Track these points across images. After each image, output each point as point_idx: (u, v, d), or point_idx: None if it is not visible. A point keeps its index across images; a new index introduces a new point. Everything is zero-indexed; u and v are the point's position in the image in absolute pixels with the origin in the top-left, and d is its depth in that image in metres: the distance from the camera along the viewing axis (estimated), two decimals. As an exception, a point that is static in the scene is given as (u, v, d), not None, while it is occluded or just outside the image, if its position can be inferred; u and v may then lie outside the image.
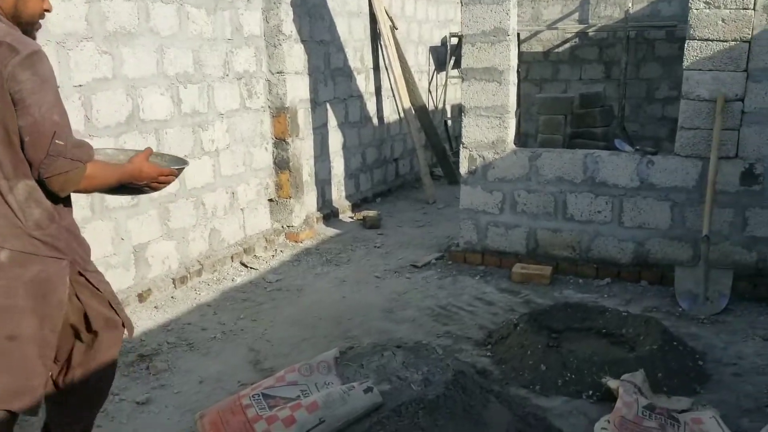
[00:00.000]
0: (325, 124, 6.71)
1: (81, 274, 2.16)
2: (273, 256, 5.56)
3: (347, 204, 7.07)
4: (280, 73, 5.67)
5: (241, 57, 5.38)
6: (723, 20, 4.31)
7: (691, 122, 4.53)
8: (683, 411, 3.02)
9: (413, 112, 7.71)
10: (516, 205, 5.11)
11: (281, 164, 5.87)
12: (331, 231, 6.32)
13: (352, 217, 6.85)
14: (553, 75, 10.06)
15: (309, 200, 6.41)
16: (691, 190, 4.59)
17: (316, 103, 6.50)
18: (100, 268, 2.44)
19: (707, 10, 4.34)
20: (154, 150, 2.57)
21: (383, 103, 7.89)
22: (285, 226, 5.93)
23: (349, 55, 7.07)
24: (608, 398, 3.14)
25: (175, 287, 4.68)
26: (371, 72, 7.60)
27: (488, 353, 3.75)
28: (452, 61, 9.08)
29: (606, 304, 4.37)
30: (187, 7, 4.77)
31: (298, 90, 5.95)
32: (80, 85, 3.95)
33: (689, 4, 4.40)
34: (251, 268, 5.23)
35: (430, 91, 9.20)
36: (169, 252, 4.74)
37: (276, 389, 2.78)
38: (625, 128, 9.13)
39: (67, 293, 2.09)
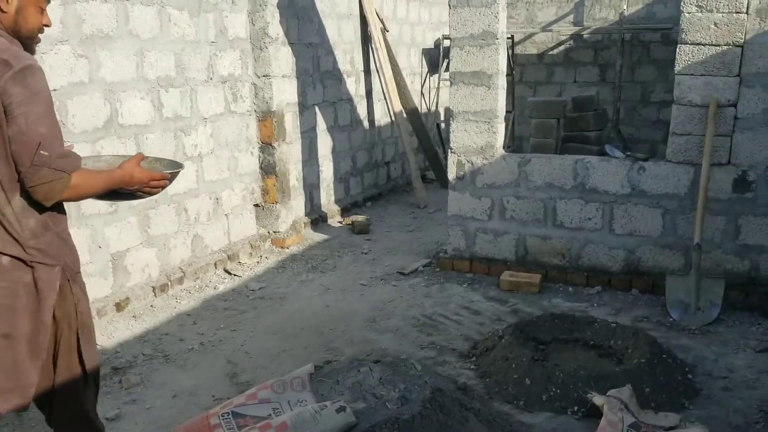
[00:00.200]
0: (314, 128, 6.61)
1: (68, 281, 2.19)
2: (258, 262, 5.46)
3: (336, 208, 6.97)
4: (267, 76, 5.57)
5: (226, 60, 5.27)
6: (715, 24, 4.21)
7: (683, 128, 4.43)
8: (671, 428, 2.93)
9: (404, 115, 7.61)
10: (505, 211, 5.01)
11: (267, 169, 5.77)
12: (319, 236, 6.22)
13: (341, 222, 6.75)
14: (547, 77, 9.96)
15: (296, 205, 6.31)
16: (682, 197, 4.50)
17: (304, 107, 6.39)
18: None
19: (699, 14, 4.25)
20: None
21: (374, 106, 7.79)
22: (271, 231, 5.83)
23: (339, 57, 6.97)
24: (594, 414, 3.04)
25: (155, 296, 4.58)
26: (362, 75, 7.50)
27: (472, 366, 3.65)
28: (445, 64, 8.97)
29: (595, 313, 4.28)
30: (168, 9, 4.66)
31: (285, 93, 5.84)
32: (55, 90, 3.84)
33: (681, 8, 4.31)
34: (235, 275, 5.13)
35: (422, 93, 9.10)
36: (149, 259, 4.64)
37: (247, 407, 2.68)
38: (620, 131, 9.04)
39: (55, 298, 2.11)
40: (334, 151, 7.01)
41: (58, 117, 2.08)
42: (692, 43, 4.30)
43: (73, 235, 2.71)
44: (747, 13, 4.14)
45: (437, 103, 9.15)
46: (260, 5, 5.44)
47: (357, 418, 2.54)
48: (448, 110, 9.54)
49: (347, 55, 7.15)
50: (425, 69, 9.11)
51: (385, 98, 7.81)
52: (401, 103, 7.53)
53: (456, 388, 3.03)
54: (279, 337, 4.05)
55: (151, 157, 2.52)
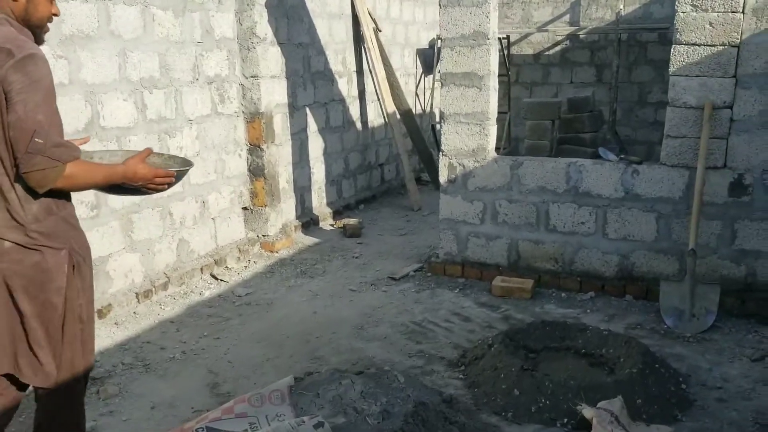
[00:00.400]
0: (304, 129, 6.51)
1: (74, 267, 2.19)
2: (246, 267, 5.36)
3: (328, 211, 6.87)
4: (255, 77, 5.47)
5: (213, 61, 5.17)
6: (711, 24, 4.12)
7: (678, 130, 4.34)
8: (662, 442, 2.84)
9: (398, 116, 7.51)
10: (497, 215, 4.91)
11: (256, 171, 5.67)
12: (309, 240, 6.12)
13: (332, 225, 6.65)
14: (543, 78, 9.86)
15: (287, 208, 6.21)
16: (677, 201, 4.40)
17: (294, 108, 6.29)
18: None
19: (694, 13, 4.15)
20: None
21: (367, 107, 7.68)
22: (260, 235, 5.72)
23: (330, 58, 6.87)
24: (583, 427, 2.95)
25: (138, 302, 4.47)
26: (354, 75, 7.40)
27: (461, 375, 3.55)
28: (440, 64, 8.87)
29: (588, 319, 4.19)
30: (152, 9, 4.56)
31: (274, 94, 5.74)
32: (32, 91, 3.74)
33: (675, 7, 4.21)
34: (221, 280, 5.02)
35: (417, 94, 9.00)
36: (133, 265, 4.54)
37: (222, 422, 2.58)
38: (617, 133, 8.94)
39: (66, 279, 2.13)
40: (325, 152, 6.91)
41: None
42: (687, 44, 4.20)
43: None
44: (743, 12, 4.04)
45: (432, 104, 9.05)
46: (248, 4, 5.34)
47: (336, 433, 2.44)
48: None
49: (339, 56, 7.04)
50: (420, 69, 9.01)
51: (378, 99, 7.71)
52: (395, 104, 7.43)
53: (441, 400, 2.93)
54: (263, 345, 3.95)
55: (166, 154, 2.57)
